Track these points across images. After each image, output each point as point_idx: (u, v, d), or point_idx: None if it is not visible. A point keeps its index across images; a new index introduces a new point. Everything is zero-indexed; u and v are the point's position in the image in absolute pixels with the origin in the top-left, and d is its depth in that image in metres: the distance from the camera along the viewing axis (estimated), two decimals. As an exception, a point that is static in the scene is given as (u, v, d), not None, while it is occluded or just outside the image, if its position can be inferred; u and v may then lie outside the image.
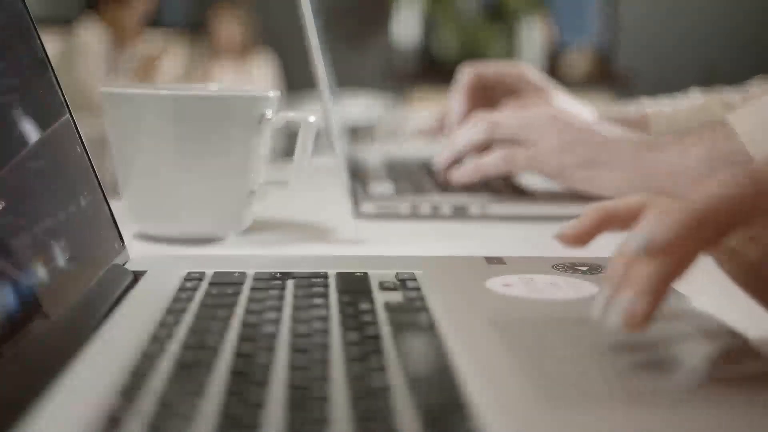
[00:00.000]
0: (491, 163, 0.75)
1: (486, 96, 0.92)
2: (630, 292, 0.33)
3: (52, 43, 3.02)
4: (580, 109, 0.86)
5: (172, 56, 3.45)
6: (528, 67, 0.93)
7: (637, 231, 0.33)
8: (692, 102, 0.88)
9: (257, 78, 3.76)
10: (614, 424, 0.28)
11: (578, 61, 4.79)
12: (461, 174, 0.77)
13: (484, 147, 0.77)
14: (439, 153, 0.82)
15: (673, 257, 0.32)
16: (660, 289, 0.32)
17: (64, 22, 3.27)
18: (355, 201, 0.74)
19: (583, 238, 0.38)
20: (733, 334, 0.37)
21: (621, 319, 0.33)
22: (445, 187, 0.80)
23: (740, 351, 0.35)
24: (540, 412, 0.29)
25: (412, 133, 0.95)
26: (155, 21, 3.54)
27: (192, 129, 0.59)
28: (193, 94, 0.61)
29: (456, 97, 0.92)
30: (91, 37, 3.16)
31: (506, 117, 0.76)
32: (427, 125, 0.99)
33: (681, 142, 0.68)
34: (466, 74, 0.92)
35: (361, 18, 4.66)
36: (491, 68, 0.92)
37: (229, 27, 3.83)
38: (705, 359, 0.34)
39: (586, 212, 0.38)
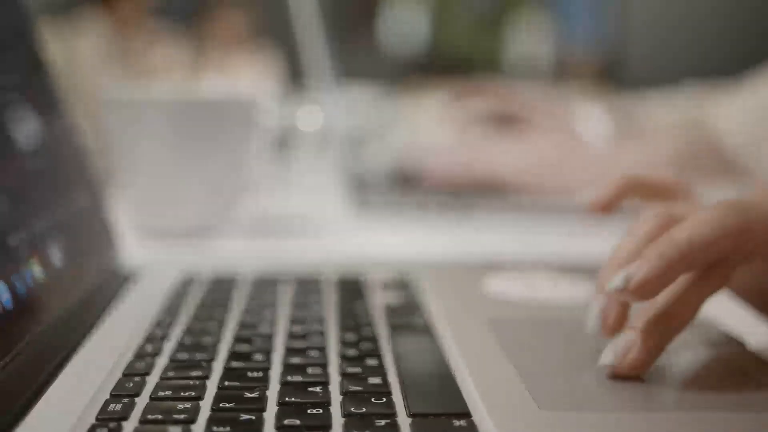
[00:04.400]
0: (456, 169, 0.76)
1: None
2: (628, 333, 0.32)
3: (49, 39, 3.00)
4: (584, 126, 0.86)
5: (170, 51, 3.44)
6: (526, 95, 0.92)
7: (623, 268, 0.32)
8: (686, 109, 0.88)
9: (258, 71, 3.76)
10: (611, 428, 0.28)
11: (581, 59, 4.79)
12: (434, 175, 0.79)
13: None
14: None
15: (669, 301, 0.32)
16: (661, 336, 0.32)
17: (62, 13, 3.26)
18: (354, 201, 0.74)
19: (608, 205, 0.38)
20: (730, 339, 0.37)
21: (618, 365, 0.32)
22: (444, 187, 0.80)
23: (738, 356, 0.35)
24: (536, 414, 0.28)
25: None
26: (155, 13, 3.53)
27: (188, 131, 0.60)
28: (189, 98, 0.61)
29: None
30: (89, 39, 3.15)
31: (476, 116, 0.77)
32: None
33: (648, 140, 0.69)
34: (466, 116, 0.91)
35: (360, 14, 4.65)
36: (491, 104, 0.90)
37: (229, 20, 3.83)
38: (702, 364, 0.34)
39: (612, 179, 0.38)
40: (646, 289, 0.31)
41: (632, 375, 0.32)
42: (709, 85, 0.89)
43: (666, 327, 0.32)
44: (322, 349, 0.34)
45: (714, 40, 4.61)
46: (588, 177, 0.71)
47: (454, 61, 4.63)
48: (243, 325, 0.37)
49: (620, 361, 0.32)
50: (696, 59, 4.49)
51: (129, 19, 3.28)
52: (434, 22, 4.83)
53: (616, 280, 0.32)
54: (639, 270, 0.31)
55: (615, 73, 4.71)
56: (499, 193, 0.83)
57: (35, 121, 0.41)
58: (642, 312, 0.32)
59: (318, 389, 0.30)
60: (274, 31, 3.97)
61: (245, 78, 3.59)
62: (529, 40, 4.74)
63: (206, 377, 0.31)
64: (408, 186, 0.82)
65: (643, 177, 0.38)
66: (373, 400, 0.29)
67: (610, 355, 0.32)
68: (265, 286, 0.44)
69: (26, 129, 0.40)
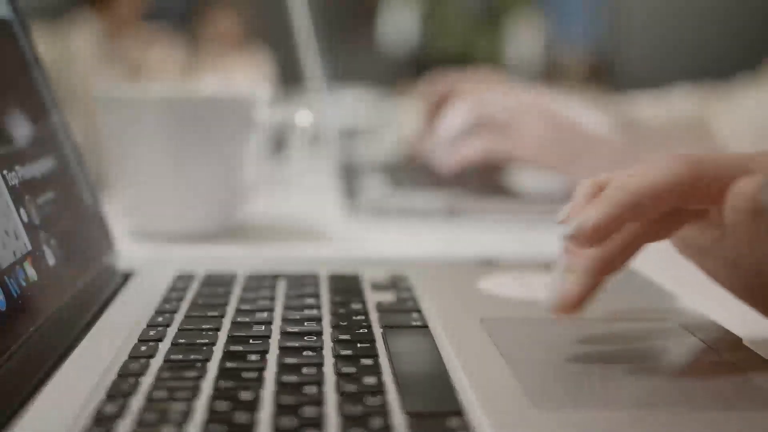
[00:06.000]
0: (473, 149, 0.75)
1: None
2: (569, 275, 0.34)
3: (44, 41, 3.00)
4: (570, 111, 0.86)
5: (165, 52, 3.44)
6: (498, 84, 0.89)
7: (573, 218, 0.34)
8: (682, 109, 0.88)
9: (252, 73, 3.75)
10: (605, 425, 0.28)
11: (573, 59, 4.79)
12: (447, 163, 0.78)
13: (470, 130, 0.77)
14: (428, 145, 0.83)
15: (610, 243, 0.33)
16: (596, 273, 0.34)
17: (58, 14, 3.26)
18: (348, 200, 0.74)
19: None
20: (727, 335, 0.37)
21: (554, 301, 0.34)
22: (438, 185, 0.80)
23: (734, 352, 0.35)
24: (531, 412, 0.28)
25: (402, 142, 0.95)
26: (150, 14, 3.52)
27: (185, 130, 0.59)
28: (186, 96, 0.61)
29: (423, 118, 0.91)
30: (84, 40, 3.15)
31: (491, 101, 0.76)
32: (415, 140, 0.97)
33: (663, 149, 0.68)
34: (429, 94, 0.90)
35: (356, 15, 4.65)
36: (458, 88, 0.89)
37: (224, 21, 3.82)
38: (698, 360, 0.34)
39: (579, 190, 0.38)
40: (596, 236, 0.33)
41: (569, 312, 0.34)
42: (702, 87, 0.89)
43: (601, 268, 0.34)
44: (317, 349, 0.34)
45: (707, 43, 4.62)
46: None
47: (448, 62, 4.63)
48: (238, 325, 0.37)
49: (556, 299, 0.34)
50: (689, 62, 4.50)
51: (124, 21, 3.27)
52: (429, 23, 4.84)
53: (569, 228, 0.33)
54: (589, 217, 0.32)
55: (607, 75, 4.72)
56: (503, 186, 0.83)
57: (28, 121, 0.41)
58: (583, 255, 0.34)
59: (313, 389, 0.30)
60: (268, 33, 3.97)
61: (240, 79, 3.58)
62: (522, 41, 4.75)
63: (201, 377, 0.31)
64: (404, 185, 0.82)
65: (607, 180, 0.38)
66: (368, 399, 0.29)
67: (549, 297, 0.34)
68: (260, 286, 0.43)
69: (19, 130, 0.39)
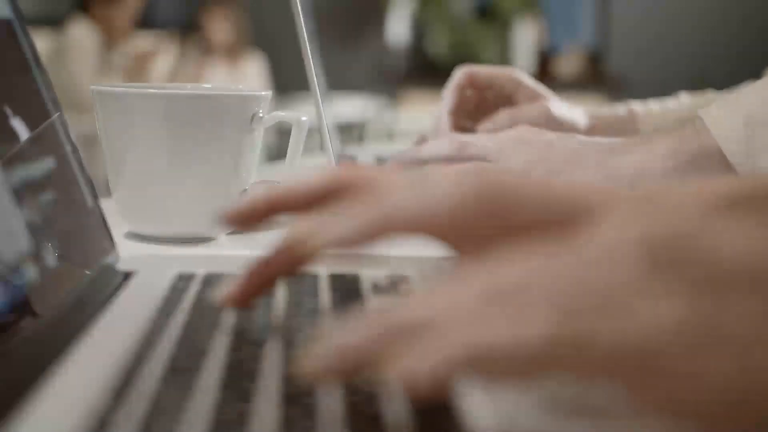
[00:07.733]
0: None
1: (478, 97, 0.91)
2: None
3: (42, 42, 3.01)
4: (572, 114, 0.86)
5: (163, 55, 3.44)
6: (520, 71, 0.91)
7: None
8: (682, 103, 0.88)
9: (248, 78, 3.75)
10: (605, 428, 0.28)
11: (569, 62, 4.80)
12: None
13: (446, 162, 0.76)
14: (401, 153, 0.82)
15: None
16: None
17: (54, 21, 3.26)
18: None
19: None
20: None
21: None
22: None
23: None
24: (531, 412, 0.28)
25: (417, 138, 0.95)
26: (146, 21, 3.52)
27: (184, 128, 0.59)
28: (185, 92, 0.60)
29: (446, 94, 0.91)
30: (83, 35, 3.15)
31: (476, 139, 0.76)
32: (428, 130, 0.97)
33: (648, 142, 0.67)
34: (458, 74, 0.91)
35: (353, 18, 4.66)
36: (484, 70, 0.91)
37: (220, 27, 3.82)
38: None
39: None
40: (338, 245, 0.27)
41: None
42: (703, 95, 0.89)
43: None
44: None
45: (705, 45, 4.62)
46: (586, 181, 0.70)
47: (442, 62, 4.63)
48: (239, 326, 0.37)
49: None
50: (690, 66, 4.50)
51: (119, 30, 3.28)
52: (424, 24, 4.84)
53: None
54: (332, 234, 0.27)
55: (605, 80, 4.72)
56: None
57: (25, 120, 0.41)
58: None
59: (313, 390, 0.30)
60: (265, 39, 3.97)
61: (236, 84, 3.58)
62: (522, 45, 4.76)
63: (201, 378, 0.31)
64: None
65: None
66: (368, 400, 0.29)
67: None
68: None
69: (17, 128, 0.39)
